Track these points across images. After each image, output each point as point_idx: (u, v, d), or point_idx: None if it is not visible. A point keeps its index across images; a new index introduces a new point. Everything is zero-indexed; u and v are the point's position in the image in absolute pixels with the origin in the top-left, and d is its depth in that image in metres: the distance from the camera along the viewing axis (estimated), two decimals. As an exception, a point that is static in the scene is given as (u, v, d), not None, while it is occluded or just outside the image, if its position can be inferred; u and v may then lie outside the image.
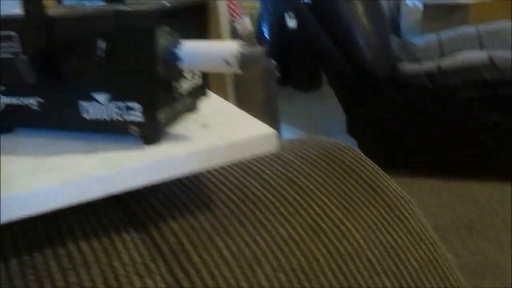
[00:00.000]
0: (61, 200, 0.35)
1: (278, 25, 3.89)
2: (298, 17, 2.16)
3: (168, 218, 0.44)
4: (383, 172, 0.57)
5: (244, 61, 0.37)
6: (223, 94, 2.29)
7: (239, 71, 0.38)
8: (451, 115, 1.86)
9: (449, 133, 1.90)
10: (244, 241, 0.43)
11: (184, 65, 0.39)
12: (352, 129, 2.12)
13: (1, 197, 0.33)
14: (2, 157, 0.41)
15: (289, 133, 2.79)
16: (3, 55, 0.41)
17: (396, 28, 2.43)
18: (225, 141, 0.40)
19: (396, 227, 0.51)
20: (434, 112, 1.87)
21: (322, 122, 3.00)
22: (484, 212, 1.85)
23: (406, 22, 3.71)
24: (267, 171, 0.53)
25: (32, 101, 0.42)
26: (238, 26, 2.43)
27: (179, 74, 0.42)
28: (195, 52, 0.38)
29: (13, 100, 0.43)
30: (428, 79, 1.80)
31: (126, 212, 0.44)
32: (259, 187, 0.50)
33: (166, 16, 0.38)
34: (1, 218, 0.34)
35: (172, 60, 0.38)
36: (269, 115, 2.58)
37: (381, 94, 1.90)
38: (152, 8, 0.37)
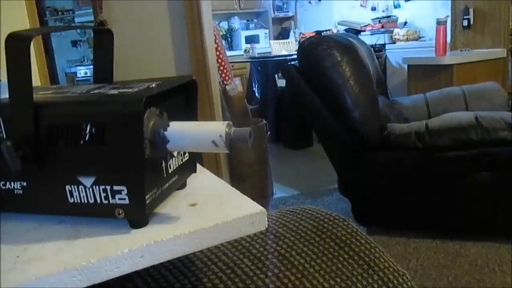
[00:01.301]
0: (41, 293, 0.34)
1: (268, 85, 3.99)
2: (287, 78, 2.21)
3: (154, 304, 0.42)
4: (377, 246, 0.56)
5: (232, 141, 0.37)
6: (214, 156, 2.29)
7: (226, 151, 0.38)
8: (441, 174, 1.86)
9: (441, 191, 1.90)
10: (234, 327, 0.41)
11: (172, 147, 0.38)
12: (344, 188, 2.11)
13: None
14: (-19, 243, 0.39)
15: (281, 191, 2.77)
16: (-11, 139, 0.40)
17: (383, 88, 2.49)
18: (214, 222, 0.39)
19: (393, 305, 0.49)
20: (424, 172, 1.87)
21: (314, 180, 2.99)
22: (482, 273, 1.81)
23: (392, 82, 3.83)
24: (258, 247, 0.51)
25: (15, 185, 0.41)
26: (229, 88, 2.49)
27: (168, 154, 0.42)
28: (182, 134, 0.38)
29: (-4, 184, 0.42)
30: (417, 139, 1.82)
31: (111, 299, 0.42)
32: (250, 265, 0.48)
33: (154, 98, 0.38)
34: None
35: (161, 143, 0.38)
36: (262, 175, 2.58)
37: (371, 154, 1.91)
38: (140, 94, 0.37)
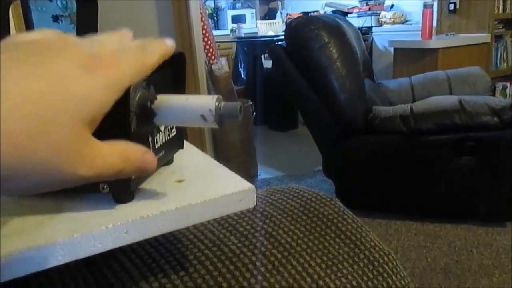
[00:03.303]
0: (20, 270, 0.32)
1: (254, 66, 3.96)
2: (273, 59, 2.20)
3: (139, 281, 0.41)
4: (363, 225, 0.56)
5: (221, 116, 0.36)
6: (199, 135, 2.27)
7: (216, 126, 0.37)
8: (424, 157, 1.88)
9: (423, 175, 1.92)
10: (220, 304, 0.41)
11: (159, 121, 0.37)
12: (328, 170, 2.13)
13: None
14: (-41, 217, 0.38)
15: (266, 173, 2.78)
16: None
17: (369, 71, 2.49)
18: (202, 199, 0.38)
19: (377, 283, 0.50)
20: (407, 155, 1.89)
21: (298, 161, 3.00)
22: (460, 255, 1.86)
23: (377, 65, 3.83)
24: (245, 225, 0.51)
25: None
26: (215, 68, 2.46)
27: (154, 129, 0.40)
28: (170, 107, 0.37)
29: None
30: (402, 122, 1.83)
31: (94, 274, 0.41)
32: (237, 243, 0.47)
33: None
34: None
35: (147, 116, 0.37)
36: (246, 155, 2.57)
37: (356, 136, 1.92)
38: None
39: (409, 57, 3.10)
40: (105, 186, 0.37)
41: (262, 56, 4.02)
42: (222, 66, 2.45)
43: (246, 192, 0.40)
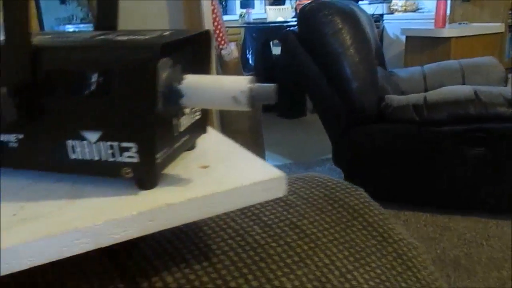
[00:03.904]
0: (40, 257, 0.30)
1: (263, 53, 3.91)
2: (284, 45, 2.16)
3: (162, 270, 0.39)
4: (389, 216, 0.53)
5: (254, 98, 0.34)
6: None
7: (247, 109, 0.34)
8: (436, 148, 1.85)
9: (435, 166, 1.89)
10: (246, 297, 0.39)
11: (187, 103, 0.35)
12: (337, 158, 2.10)
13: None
14: (-27, 200, 0.35)
15: (273, 160, 2.75)
16: (-20, 85, 0.36)
17: (381, 59, 2.45)
18: (230, 186, 0.36)
19: (407, 278, 0.47)
20: (419, 145, 1.86)
21: (307, 149, 2.98)
22: (470, 247, 1.83)
23: (388, 54, 3.78)
24: (268, 214, 0.49)
25: (10, 138, 0.37)
26: (224, 52, 2.42)
27: (180, 111, 0.38)
28: (199, 88, 0.34)
29: (-12, 135, 0.38)
30: (415, 111, 1.80)
31: (114, 263, 0.39)
32: (261, 233, 0.45)
33: (168, 47, 0.34)
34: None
35: (174, 97, 0.34)
36: (254, 143, 2.55)
37: (368, 125, 1.89)
38: (155, 40, 0.33)
39: (421, 46, 3.04)
40: (128, 171, 0.35)
41: (271, 43, 3.97)
42: (231, 51, 2.41)
43: (276, 180, 0.37)
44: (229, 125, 2.44)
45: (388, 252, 0.48)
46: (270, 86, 0.34)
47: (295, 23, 3.84)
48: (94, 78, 0.33)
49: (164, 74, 0.34)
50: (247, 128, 2.45)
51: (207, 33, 0.41)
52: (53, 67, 0.34)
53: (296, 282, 0.41)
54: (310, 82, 2.03)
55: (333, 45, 1.83)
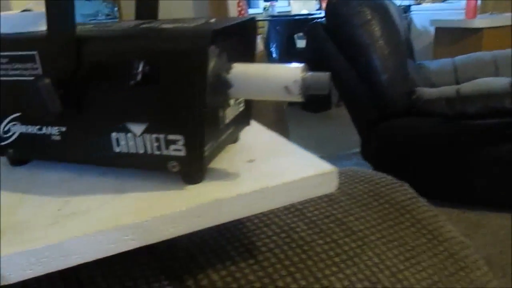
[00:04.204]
0: (87, 254, 0.29)
1: (287, 46, 3.87)
2: (311, 37, 2.12)
3: (207, 268, 0.38)
4: (438, 213, 0.51)
5: (308, 88, 0.32)
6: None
7: (300, 100, 0.32)
8: (469, 142, 1.80)
9: (467, 161, 1.83)
10: (294, 296, 0.37)
11: (235, 93, 0.33)
12: (366, 153, 2.06)
13: (13, 252, 0.27)
14: (14, 197, 0.35)
15: (298, 155, 2.73)
16: (22, 77, 0.35)
17: (410, 51, 2.39)
18: (280, 181, 0.34)
19: (459, 278, 0.45)
20: (451, 139, 1.81)
21: (332, 143, 2.94)
22: (504, 246, 1.77)
23: (416, 46, 3.69)
24: (312, 210, 0.47)
25: (52, 131, 0.37)
26: (249, 46, 2.40)
27: (226, 102, 0.36)
28: (249, 78, 0.33)
29: (30, 129, 0.37)
30: (447, 104, 1.74)
31: (158, 260, 0.38)
32: (306, 229, 0.43)
33: (215, 35, 0.32)
34: (12, 278, 0.28)
35: (223, 87, 0.33)
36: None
37: (397, 118, 1.84)
38: (203, 28, 0.31)
39: (452, 37, 2.96)
40: (174, 164, 0.34)
41: (295, 36, 3.93)
42: (257, 44, 2.39)
43: (328, 175, 0.35)
44: (255, 118, 2.42)
45: (439, 251, 0.46)
46: (324, 75, 0.32)
47: (320, 15, 3.79)
48: (140, 68, 0.31)
49: (212, 63, 0.32)
50: (273, 122, 2.43)
51: (252, 21, 0.39)
52: (97, 58, 0.33)
53: (346, 282, 0.39)
54: (338, 75, 1.99)
55: (362, 37, 1.79)
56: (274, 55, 4.23)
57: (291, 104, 3.44)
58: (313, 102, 3.64)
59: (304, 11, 4.27)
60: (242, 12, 2.31)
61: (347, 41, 1.85)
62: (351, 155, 2.63)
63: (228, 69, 0.33)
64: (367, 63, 1.80)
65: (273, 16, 4.34)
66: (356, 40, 1.81)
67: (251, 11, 4.67)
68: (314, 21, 2.08)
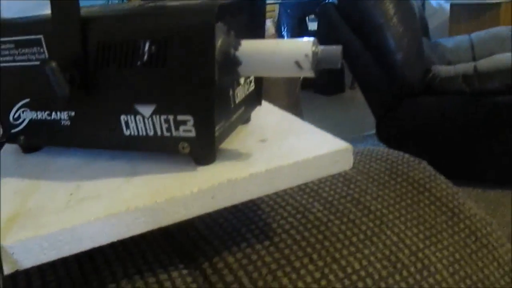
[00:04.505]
0: (100, 238, 0.29)
1: (299, 28, 3.83)
2: (323, 18, 2.09)
3: (222, 251, 0.37)
4: (459, 191, 0.49)
5: (319, 62, 0.31)
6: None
7: (311, 75, 0.31)
8: (488, 119, 1.76)
9: (486, 139, 1.80)
10: (312, 276, 0.36)
11: (244, 71, 0.32)
12: (382, 134, 2.03)
13: (25, 237, 0.27)
14: (26, 183, 0.34)
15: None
16: (29, 62, 0.35)
17: (425, 29, 2.33)
18: (293, 160, 0.33)
19: (482, 256, 0.44)
20: (470, 117, 1.77)
21: (346, 126, 2.91)
22: (527, 223, 1.74)
23: (431, 23, 3.61)
24: (328, 190, 0.46)
25: (62, 116, 0.36)
26: (261, 30, 2.37)
27: (236, 81, 0.35)
28: (258, 54, 0.32)
29: (39, 115, 0.37)
30: (464, 82, 1.70)
31: (173, 244, 0.38)
32: (322, 210, 0.43)
33: (221, 12, 0.31)
34: (26, 263, 0.28)
35: (231, 65, 0.32)
36: (293, 121, 2.50)
37: (413, 98, 1.81)
38: (209, 4, 0.30)
39: (468, 13, 2.88)
40: (185, 145, 0.33)
41: (307, 18, 3.88)
42: (268, 28, 2.36)
43: (342, 152, 0.34)
44: (269, 101, 2.40)
45: (460, 228, 0.44)
46: (336, 48, 0.31)
47: (332, -4, 3.73)
48: (147, 47, 0.31)
49: (219, 40, 0.31)
50: (286, 105, 2.41)
51: (261, -3, 0.38)
52: (103, 38, 0.32)
53: (364, 262, 0.38)
54: (351, 56, 1.95)
55: (375, 16, 1.75)
56: (286, 38, 4.18)
57: (304, 87, 3.40)
58: (326, 85, 3.60)
59: (315, -7, 4.20)
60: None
61: (360, 20, 1.81)
62: (366, 137, 2.60)
63: (236, 46, 0.32)
64: (381, 43, 1.76)
65: (283, -1, 4.28)
66: (370, 19, 1.77)
67: (262, -5, 4.61)
68: (326, 1, 2.05)
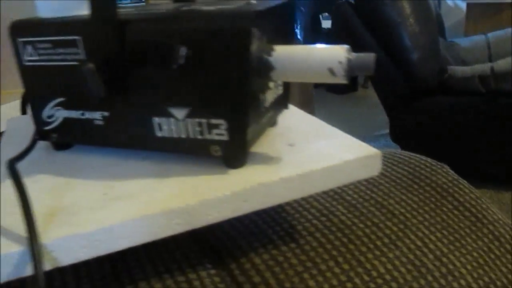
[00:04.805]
0: (136, 238, 0.30)
1: (312, 26, 3.81)
2: (338, 16, 2.08)
3: (249, 252, 0.38)
4: (481, 195, 0.49)
5: (352, 69, 0.31)
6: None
7: (344, 81, 0.32)
8: (503, 120, 1.74)
9: (503, 140, 1.78)
10: (338, 279, 0.37)
11: (277, 76, 0.32)
12: (396, 134, 2.02)
13: (65, 235, 0.28)
14: (61, 181, 0.35)
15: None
16: (65, 62, 0.36)
17: (441, 28, 2.31)
18: (324, 165, 0.33)
19: (506, 262, 0.44)
20: (486, 118, 1.76)
21: (359, 125, 2.90)
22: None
23: (446, 22, 3.57)
24: (351, 193, 0.46)
25: (95, 115, 0.37)
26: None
27: (267, 85, 0.36)
28: (291, 60, 0.32)
29: (73, 114, 0.38)
30: (481, 82, 1.69)
31: (201, 245, 0.39)
32: (346, 213, 0.43)
33: (257, 18, 0.32)
34: (65, 260, 0.28)
35: (265, 69, 0.32)
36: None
37: (428, 98, 1.80)
38: (246, 9, 0.31)
39: (484, 13, 2.85)
40: (217, 149, 0.34)
41: (320, 16, 3.86)
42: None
43: (372, 158, 0.35)
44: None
45: (484, 234, 0.44)
46: (370, 56, 0.31)
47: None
48: (183, 50, 0.31)
49: (254, 45, 0.32)
50: (299, 103, 2.41)
51: (292, 2, 0.38)
52: (140, 41, 0.32)
53: (389, 265, 0.39)
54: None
55: (391, 15, 1.74)
56: (298, 36, 4.18)
57: (316, 85, 3.40)
58: (338, 84, 3.59)
59: (329, -10, 4.18)
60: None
61: (376, 19, 1.80)
62: (378, 136, 2.59)
63: (269, 52, 0.32)
64: (397, 42, 1.76)
65: (298, -5, 4.26)
66: (386, 17, 1.76)
67: (275, -9, 4.60)
68: (339, 0, 2.04)
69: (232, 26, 0.30)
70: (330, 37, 3.50)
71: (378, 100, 2.06)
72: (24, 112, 0.53)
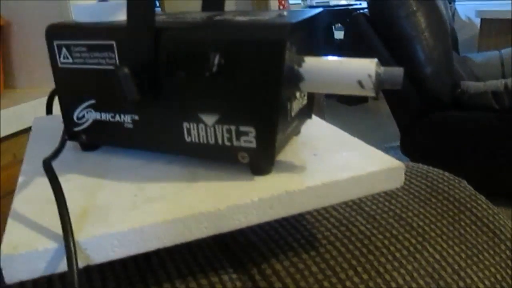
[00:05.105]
0: (165, 240, 0.30)
1: (325, 37, 3.83)
2: (353, 28, 2.09)
3: (270, 258, 0.39)
4: (498, 210, 0.50)
5: (381, 83, 0.32)
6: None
7: (372, 95, 0.32)
8: (516, 137, 1.74)
9: (514, 157, 1.77)
10: (356, 289, 0.37)
11: (306, 87, 0.33)
12: (407, 147, 2.02)
13: (99, 234, 0.29)
14: (92, 181, 0.36)
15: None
16: (99, 66, 0.37)
17: (454, 43, 2.32)
18: (349, 175, 0.34)
19: (522, 279, 0.44)
20: (499, 134, 1.75)
21: (369, 137, 2.90)
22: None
23: (460, 37, 3.57)
24: (370, 204, 0.47)
25: (125, 118, 0.38)
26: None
27: (294, 95, 0.37)
28: (321, 71, 0.33)
29: (103, 116, 0.39)
30: (494, 98, 1.69)
31: (224, 250, 0.39)
32: (365, 224, 0.44)
33: (292, 30, 0.32)
34: (97, 259, 0.29)
35: (295, 80, 0.33)
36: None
37: (441, 112, 1.80)
38: (280, 20, 0.32)
39: (499, 29, 2.85)
40: (244, 155, 0.34)
41: (333, 26, 3.88)
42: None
43: (395, 170, 0.35)
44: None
45: (502, 250, 0.45)
46: (398, 70, 0.32)
47: (359, 6, 3.72)
48: (216, 59, 0.32)
49: (286, 56, 0.32)
50: (311, 113, 2.42)
51: (322, 14, 0.39)
52: (174, 48, 0.33)
53: (407, 277, 0.39)
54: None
55: (406, 29, 1.75)
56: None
57: (327, 96, 3.40)
58: (349, 95, 3.59)
59: (343, 1, 4.20)
60: (283, 2, 2.29)
61: (391, 31, 1.81)
62: (388, 149, 2.59)
63: (300, 63, 0.33)
64: (411, 55, 1.76)
65: (311, 6, 4.29)
66: (400, 31, 1.77)
67: (290, 1, 4.63)
68: (357, 11, 2.05)
69: (267, 38, 0.31)
70: (342, 48, 3.51)
71: (389, 112, 2.06)
72: (49, 112, 0.55)
